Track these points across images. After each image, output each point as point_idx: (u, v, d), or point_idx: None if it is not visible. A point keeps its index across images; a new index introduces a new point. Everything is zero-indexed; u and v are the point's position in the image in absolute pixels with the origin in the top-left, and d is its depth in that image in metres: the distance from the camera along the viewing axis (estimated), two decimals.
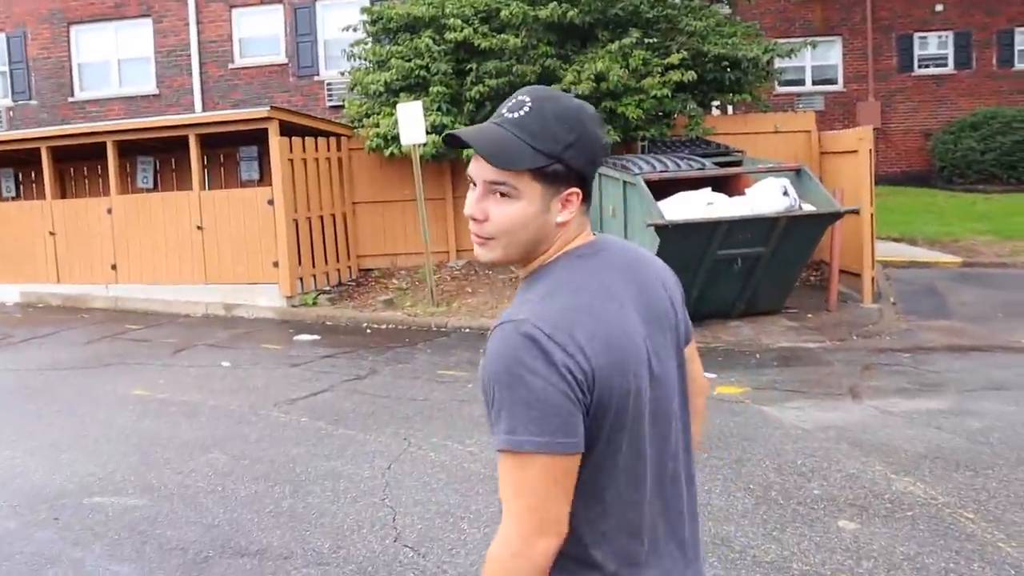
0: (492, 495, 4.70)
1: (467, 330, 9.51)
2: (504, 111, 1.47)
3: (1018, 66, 20.16)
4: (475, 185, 1.48)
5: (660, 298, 1.55)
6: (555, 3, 10.80)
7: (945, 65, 20.39)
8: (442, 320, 9.82)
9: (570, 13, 10.89)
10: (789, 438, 5.56)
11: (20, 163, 13.62)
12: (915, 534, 4.14)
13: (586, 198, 1.50)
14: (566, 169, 1.44)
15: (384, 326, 9.98)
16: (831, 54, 20.46)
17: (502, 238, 1.46)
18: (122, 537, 4.40)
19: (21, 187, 14.06)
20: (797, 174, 9.22)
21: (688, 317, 1.64)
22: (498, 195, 1.45)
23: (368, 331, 9.83)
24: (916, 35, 20.32)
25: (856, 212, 8.99)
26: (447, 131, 1.49)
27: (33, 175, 13.80)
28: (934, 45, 20.46)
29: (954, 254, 13.48)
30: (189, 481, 5.16)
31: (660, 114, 11.33)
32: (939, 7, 20.07)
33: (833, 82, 20.56)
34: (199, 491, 4.99)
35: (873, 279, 10.03)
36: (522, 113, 1.44)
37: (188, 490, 5.02)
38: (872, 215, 9.90)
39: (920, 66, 20.43)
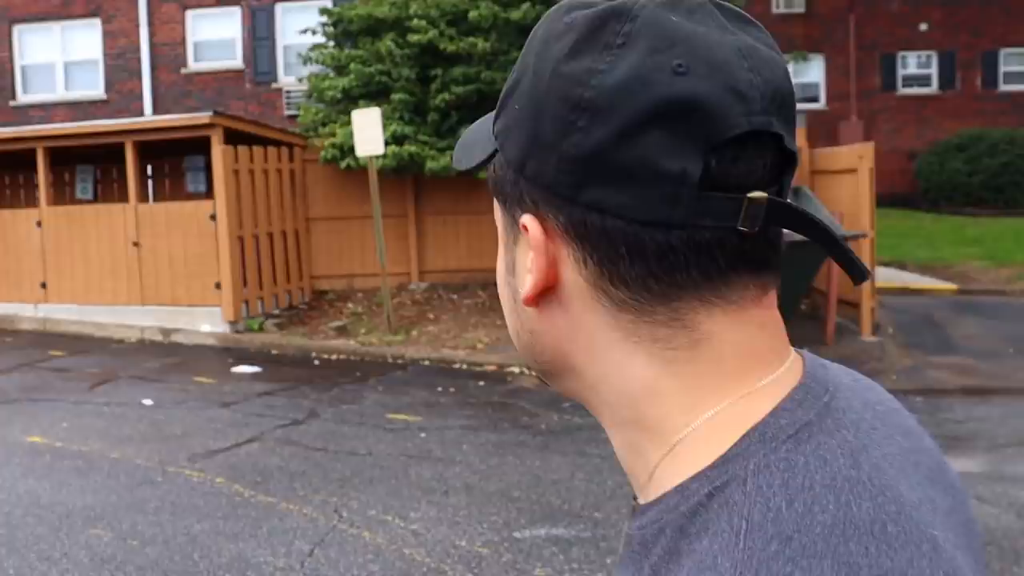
0: None
1: (426, 363, 8.50)
2: None
3: (1003, 88, 19.55)
4: None
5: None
6: (528, 4, 9.87)
7: (929, 85, 19.74)
8: (399, 351, 8.81)
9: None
10: None
11: None
12: None
13: (604, 257, 0.57)
14: (504, 164, 0.62)
15: (334, 356, 8.95)
16: (813, 72, 19.74)
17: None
18: None
19: None
20: (795, 194, 8.33)
21: None
22: None
23: (316, 363, 8.79)
24: (900, 54, 19.66)
25: (864, 237, 8.13)
26: None
27: None
28: (918, 65, 19.81)
29: (948, 280, 12.76)
30: (54, 574, 4.11)
31: None
32: (923, 26, 19.43)
33: (815, 100, 19.83)
34: None
35: (872, 309, 9.17)
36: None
37: None
38: (873, 240, 9.05)
39: (904, 86, 19.76)
